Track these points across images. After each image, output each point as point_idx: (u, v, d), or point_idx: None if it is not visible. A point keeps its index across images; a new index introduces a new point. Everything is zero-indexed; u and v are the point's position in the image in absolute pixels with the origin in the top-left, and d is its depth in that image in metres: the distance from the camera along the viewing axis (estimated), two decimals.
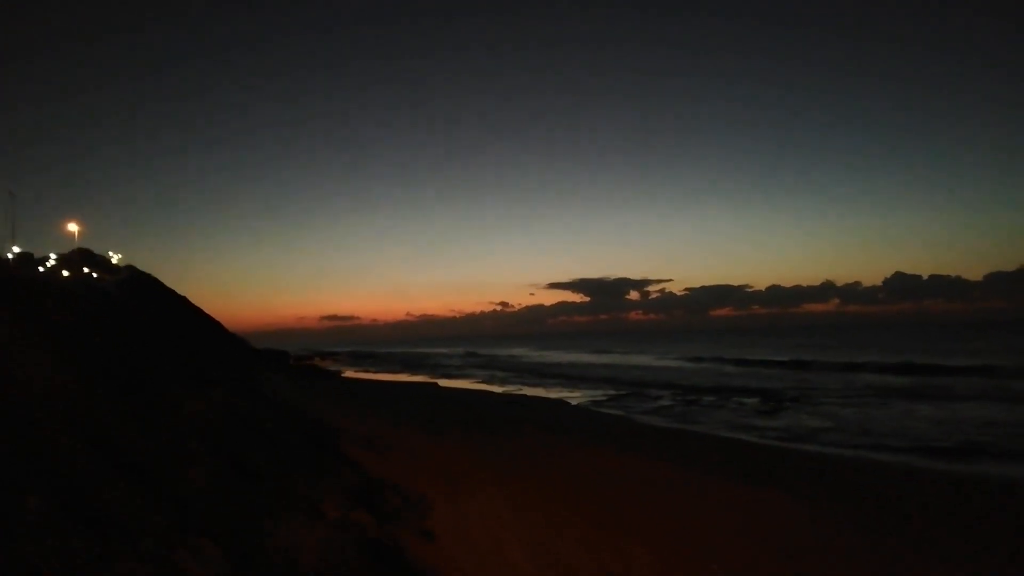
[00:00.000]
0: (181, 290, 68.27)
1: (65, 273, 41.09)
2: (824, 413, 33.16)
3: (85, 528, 8.29)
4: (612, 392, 47.46)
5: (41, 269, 40.48)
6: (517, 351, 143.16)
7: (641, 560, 11.72)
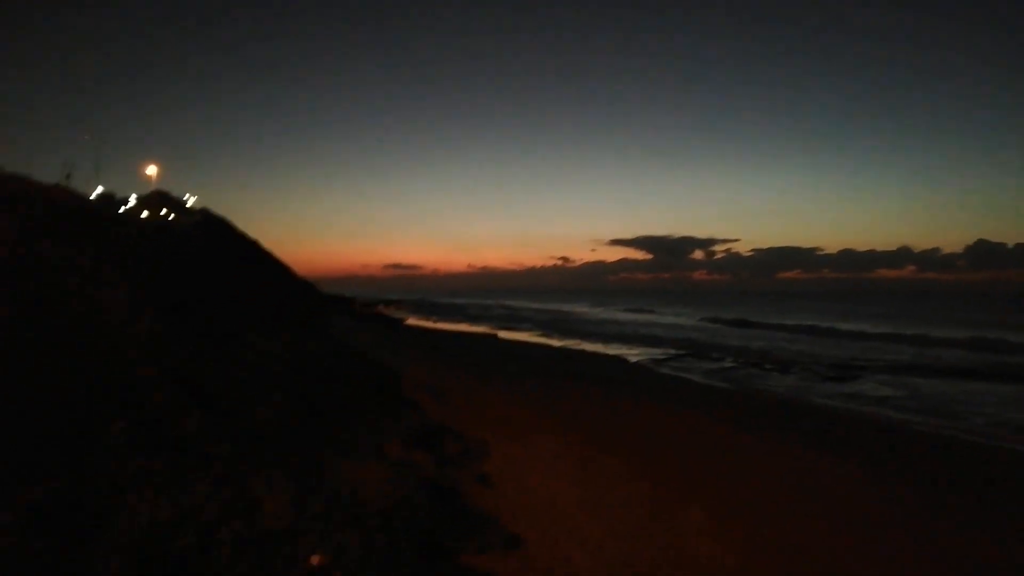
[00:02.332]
0: (254, 234, 70.18)
1: (144, 214, 42.72)
2: (895, 384, 32.13)
3: (165, 452, 8.77)
4: (672, 352, 47.05)
5: (122, 209, 42.15)
6: (577, 307, 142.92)
7: (696, 520, 11.74)
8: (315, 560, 7.57)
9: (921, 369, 37.61)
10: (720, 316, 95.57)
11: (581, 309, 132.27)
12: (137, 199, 49.07)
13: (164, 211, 47.70)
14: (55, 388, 9.11)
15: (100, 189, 44.60)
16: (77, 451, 7.75)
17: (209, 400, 12.10)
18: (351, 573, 7.51)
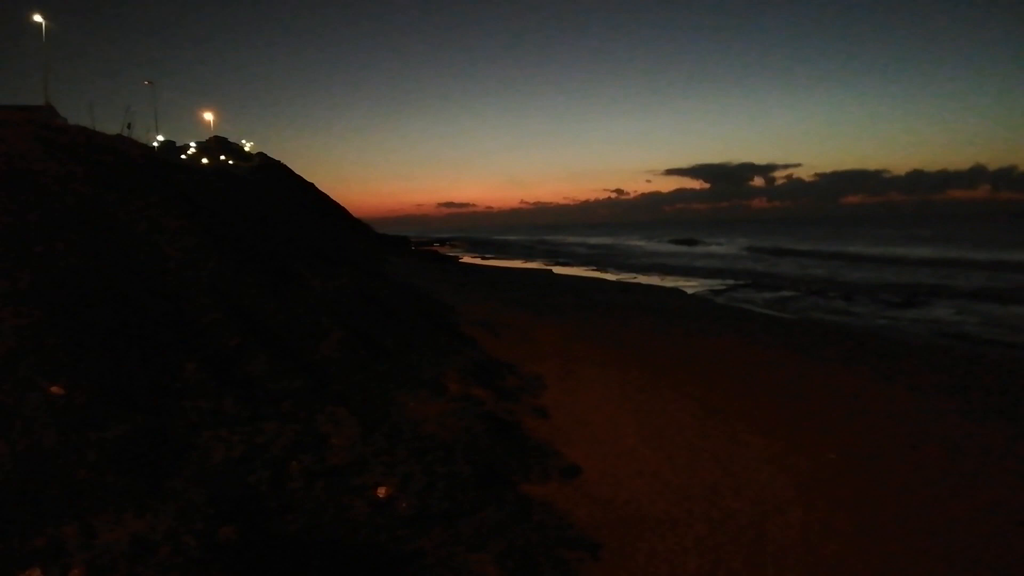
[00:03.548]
0: (308, 177, 71.07)
1: (204, 160, 43.65)
2: (967, 310, 30.96)
3: (235, 391, 9.18)
4: (731, 282, 46.35)
5: (183, 156, 43.13)
6: (632, 239, 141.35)
7: (755, 446, 11.74)
8: (381, 492, 7.90)
9: (996, 294, 36.11)
10: (780, 245, 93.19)
11: (636, 242, 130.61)
12: (197, 146, 50.09)
13: (223, 156, 48.63)
14: (128, 333, 9.55)
15: (161, 137, 45.66)
16: (153, 392, 8.16)
17: (274, 340, 12.53)
18: (416, 503, 7.82)
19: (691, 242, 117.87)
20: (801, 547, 8.25)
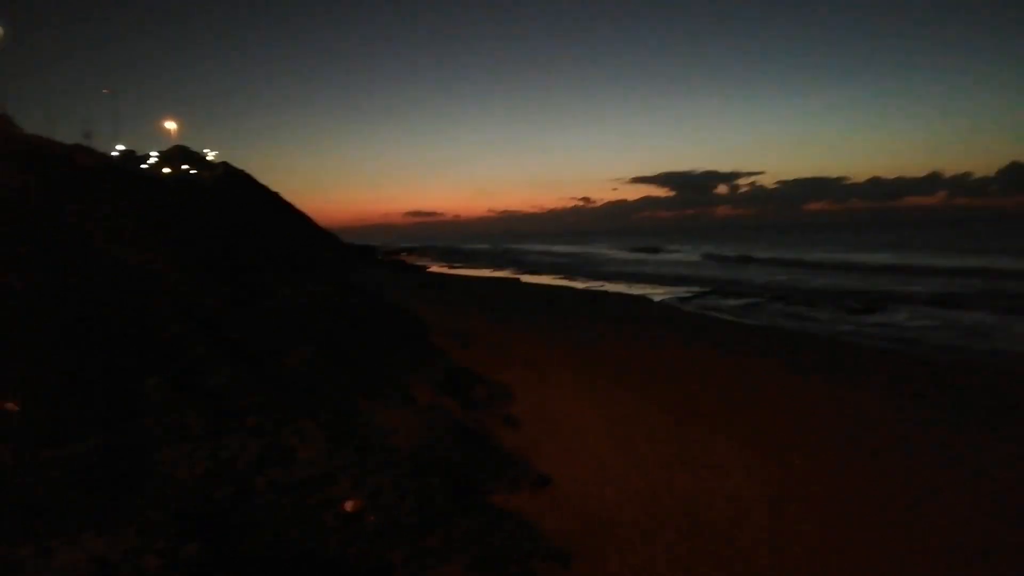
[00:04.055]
0: (273, 187, 70.32)
1: (166, 170, 42.94)
2: (926, 315, 31.66)
3: (199, 405, 8.99)
4: (697, 289, 46.84)
5: (144, 166, 42.33)
6: (599, 248, 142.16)
7: (719, 450, 11.85)
8: (349, 505, 7.79)
9: (953, 299, 37.01)
10: (744, 253, 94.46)
11: (602, 250, 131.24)
12: (158, 155, 49.25)
13: (185, 166, 47.89)
14: (88, 346, 9.32)
15: (121, 146, 44.80)
16: (114, 407, 7.96)
17: (240, 352, 12.32)
18: (385, 516, 7.73)
19: (654, 250, 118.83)
20: (770, 554, 8.32)
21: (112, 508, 5.80)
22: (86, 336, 9.65)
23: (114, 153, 41.05)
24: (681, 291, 46.21)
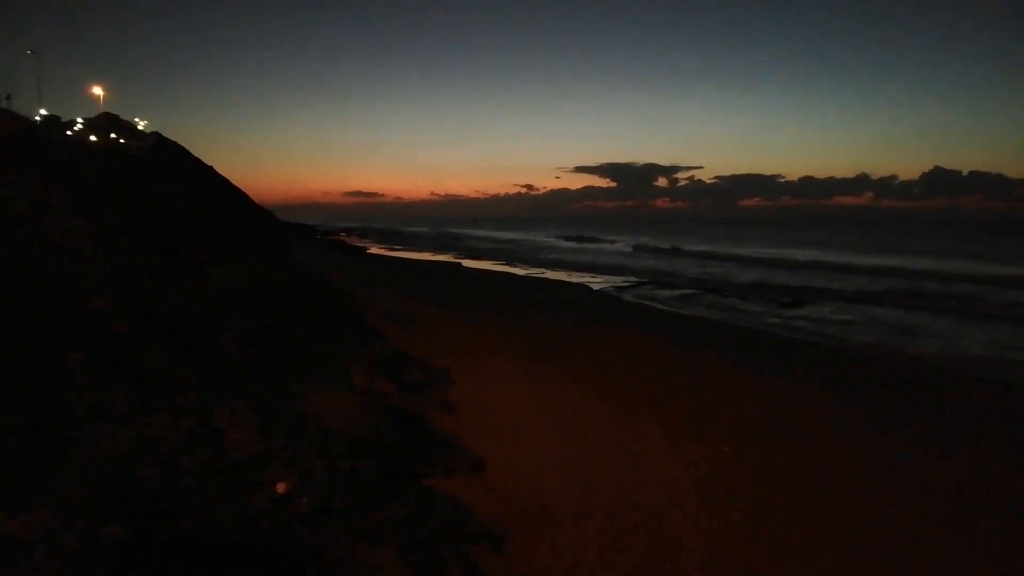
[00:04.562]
0: (208, 161, 68.10)
1: (92, 138, 41.04)
2: (851, 311, 32.95)
3: (125, 383, 8.68)
4: (634, 279, 47.60)
5: (69, 133, 40.37)
6: (540, 235, 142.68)
7: (652, 437, 12.12)
8: (281, 487, 7.66)
9: (875, 296, 38.64)
10: (679, 245, 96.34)
11: (542, 238, 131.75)
12: (84, 122, 47.04)
13: (114, 135, 45.88)
14: (10, 320, 8.88)
15: (44, 111, 42.61)
16: (34, 383, 7.62)
17: (169, 329, 11.92)
18: (317, 499, 7.63)
19: (591, 239, 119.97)
20: (697, 538, 8.57)
21: (28, 487, 5.56)
22: (6, 309, 9.19)
23: (37, 118, 39.00)
24: (619, 280, 46.87)
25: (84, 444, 6.96)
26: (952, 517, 9.36)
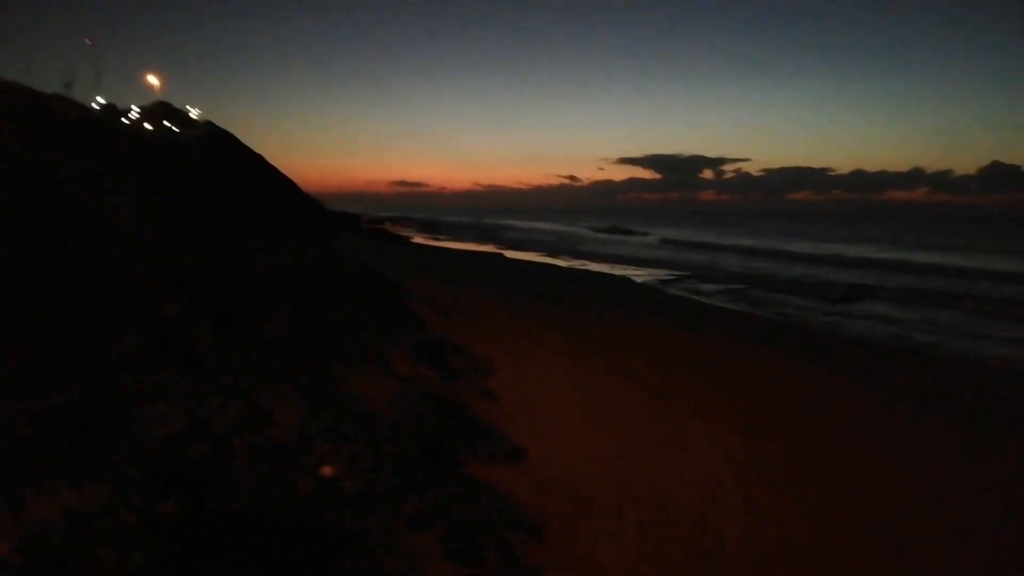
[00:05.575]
0: (257, 148, 69.35)
1: (147, 126, 42.16)
2: (904, 309, 32.03)
3: (176, 365, 8.91)
4: (678, 273, 47.14)
5: (125, 121, 41.55)
6: (584, 228, 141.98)
7: (697, 431, 12.00)
8: (326, 470, 7.79)
9: (929, 296, 37.49)
10: (722, 241, 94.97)
11: (584, 231, 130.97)
12: (140, 110, 48.33)
13: (167, 123, 47.07)
14: (67, 300, 9.18)
15: (102, 99, 43.93)
16: (90, 363, 7.87)
17: (217, 312, 12.20)
18: (362, 482, 7.74)
19: (624, 231, 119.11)
20: (740, 531, 8.47)
21: (87, 463, 5.76)
22: (65, 288, 9.50)
23: (95, 106, 40.21)
24: (661, 274, 46.48)
25: (138, 423, 7.17)
26: None
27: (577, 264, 53.17)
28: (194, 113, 58.59)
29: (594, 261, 56.73)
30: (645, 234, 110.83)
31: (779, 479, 10.18)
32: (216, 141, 52.54)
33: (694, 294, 35.44)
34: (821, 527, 8.73)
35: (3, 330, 7.63)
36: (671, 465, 10.49)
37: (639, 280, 41.85)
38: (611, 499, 9.19)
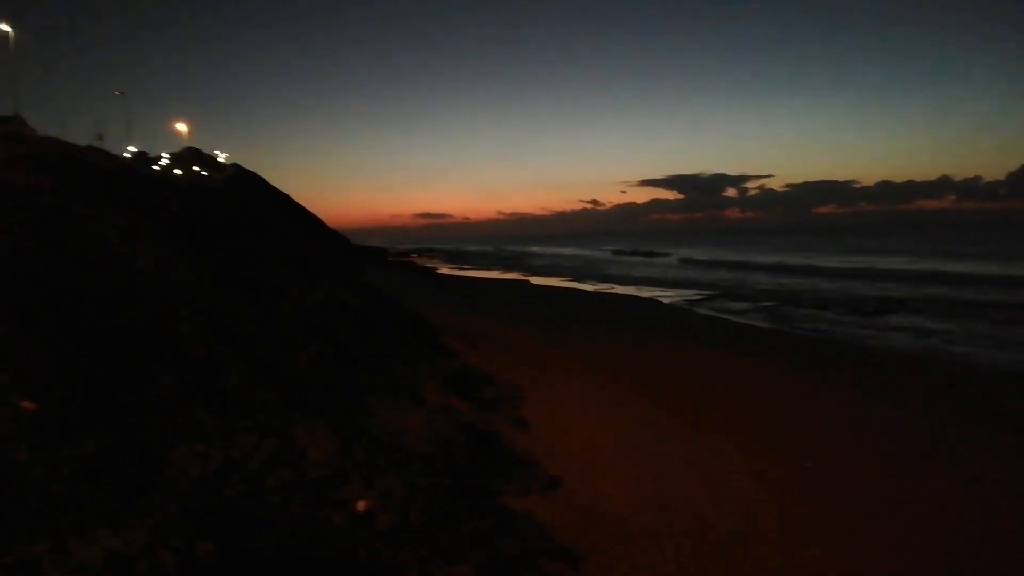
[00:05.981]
0: (283, 188, 70.62)
1: (177, 171, 43.21)
2: (938, 322, 31.31)
3: (210, 404, 9.03)
4: (707, 292, 46.76)
5: (156, 168, 42.63)
6: (606, 251, 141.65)
7: (730, 456, 11.82)
8: (361, 505, 7.80)
9: (966, 307, 36.66)
10: (748, 258, 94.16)
11: (598, 253, 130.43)
12: (170, 157, 49.59)
13: (196, 168, 48.19)
14: (103, 346, 9.38)
15: (133, 148, 45.15)
16: (127, 406, 8.01)
17: (250, 352, 12.36)
18: (396, 517, 7.74)
19: (646, 253, 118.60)
20: (779, 556, 8.30)
21: (127, 506, 5.84)
22: (100, 334, 9.71)
23: (126, 154, 41.35)
24: (690, 294, 46.15)
25: (174, 464, 7.26)
26: None
27: (604, 287, 53.04)
28: (222, 157, 60.01)
29: (620, 284, 56.54)
30: (667, 255, 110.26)
31: (816, 502, 9.98)
32: (243, 183, 53.67)
33: (724, 313, 35.09)
34: (860, 550, 8.52)
35: (43, 377, 7.81)
36: (706, 488, 10.34)
37: (667, 301, 41.59)
38: (647, 525, 9.07)
